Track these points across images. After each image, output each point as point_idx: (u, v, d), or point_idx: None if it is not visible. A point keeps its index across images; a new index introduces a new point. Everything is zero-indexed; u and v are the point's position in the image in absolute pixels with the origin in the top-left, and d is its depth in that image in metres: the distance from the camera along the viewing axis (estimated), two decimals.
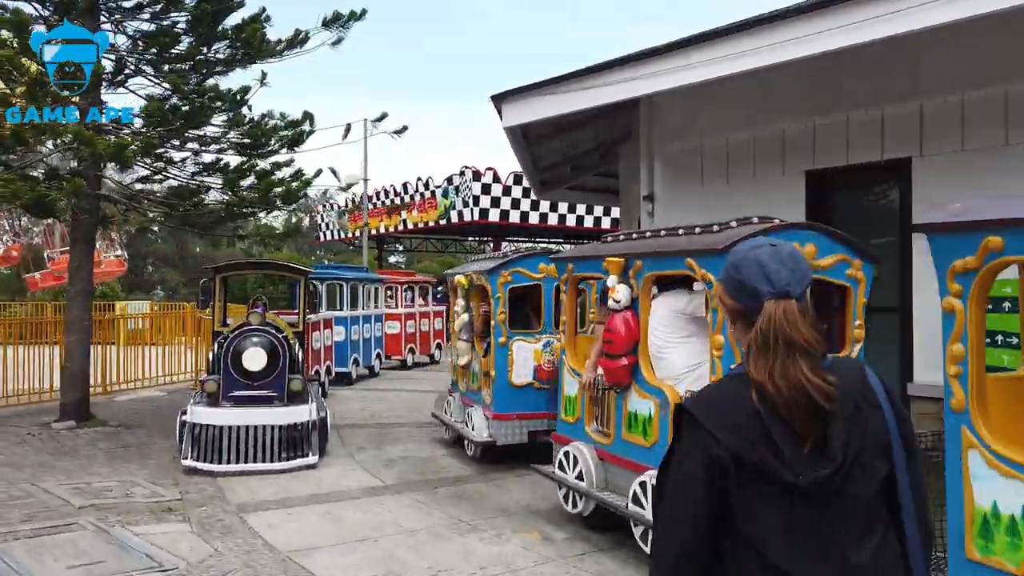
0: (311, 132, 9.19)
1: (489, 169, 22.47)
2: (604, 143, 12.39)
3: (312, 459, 7.33)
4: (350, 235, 29.75)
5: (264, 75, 8.46)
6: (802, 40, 5.98)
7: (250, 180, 8.97)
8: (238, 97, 8.25)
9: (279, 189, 8.83)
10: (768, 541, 1.35)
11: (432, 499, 6.28)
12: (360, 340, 13.96)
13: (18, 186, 7.50)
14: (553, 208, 23.28)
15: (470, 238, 31.65)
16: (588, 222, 23.98)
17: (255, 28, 8.37)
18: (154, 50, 8.33)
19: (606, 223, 23.88)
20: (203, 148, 8.81)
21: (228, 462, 7.06)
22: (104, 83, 8.28)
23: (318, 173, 9.97)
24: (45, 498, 6.05)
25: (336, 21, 8.39)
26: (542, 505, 6.10)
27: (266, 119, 8.98)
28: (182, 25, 8.45)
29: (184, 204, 8.77)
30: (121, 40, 8.68)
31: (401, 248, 35.59)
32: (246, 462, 7.09)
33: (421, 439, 8.80)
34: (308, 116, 9.04)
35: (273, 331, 7.67)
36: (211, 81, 8.94)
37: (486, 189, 22.24)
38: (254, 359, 7.39)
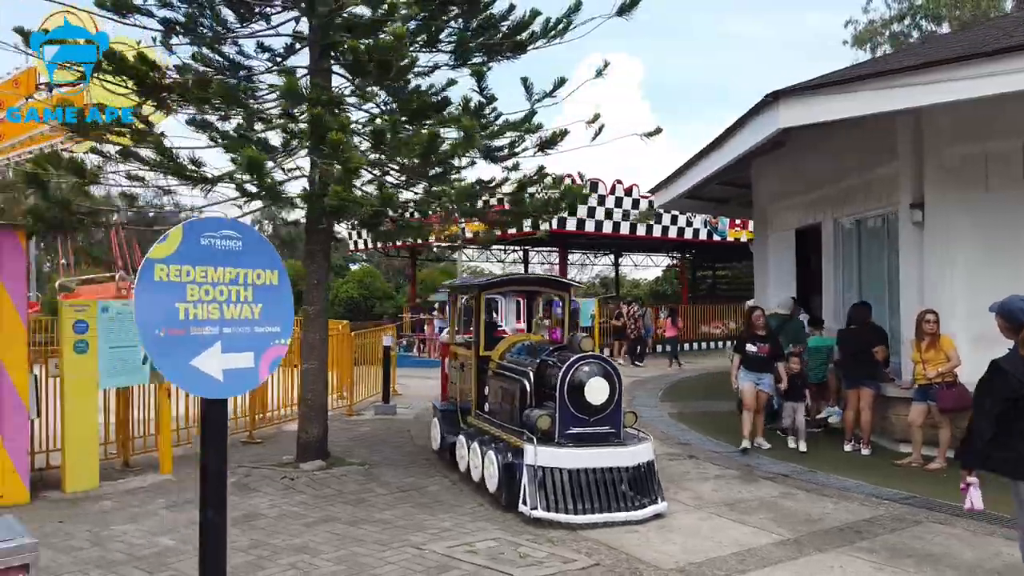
0: (565, 132, 8.23)
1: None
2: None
3: (662, 505, 6.37)
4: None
5: (606, 64, 7.46)
6: None
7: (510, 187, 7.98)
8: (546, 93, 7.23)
9: (548, 196, 7.84)
10: None
11: (890, 557, 5.34)
12: None
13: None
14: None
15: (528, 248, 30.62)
16: (673, 232, 23.29)
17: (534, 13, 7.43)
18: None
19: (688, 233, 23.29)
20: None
21: (580, 511, 6.08)
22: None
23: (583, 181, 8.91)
24: (470, 569, 4.99)
25: (633, 6, 7.43)
26: None
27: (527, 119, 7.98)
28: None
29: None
30: None
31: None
32: (600, 511, 6.12)
33: (718, 467, 7.85)
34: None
35: (606, 358, 6.71)
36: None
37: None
38: (598, 391, 6.40)
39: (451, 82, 7.46)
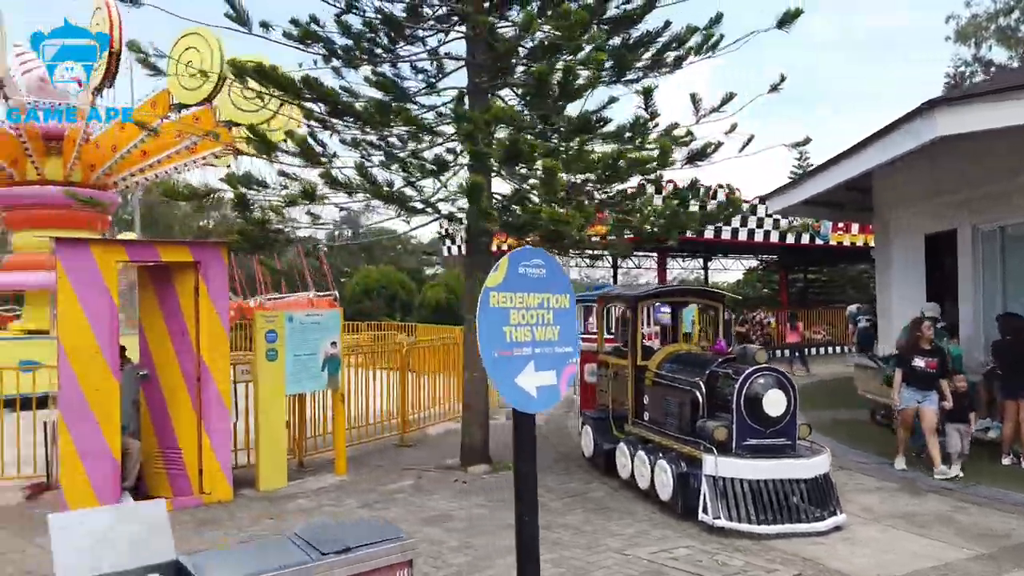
0: (719, 145, 8.33)
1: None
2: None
3: (841, 518, 6.45)
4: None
5: (783, 79, 7.61)
6: None
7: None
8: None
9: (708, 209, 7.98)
10: None
11: None
12: None
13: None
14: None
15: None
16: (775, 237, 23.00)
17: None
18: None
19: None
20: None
21: (763, 522, 6.22)
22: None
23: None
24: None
25: (792, 19, 7.51)
26: None
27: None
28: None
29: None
30: None
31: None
32: (781, 522, 6.24)
33: (874, 479, 7.85)
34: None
35: (781, 370, 6.83)
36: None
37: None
38: (776, 404, 6.54)
39: (612, 99, 7.70)
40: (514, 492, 3.60)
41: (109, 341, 6.68)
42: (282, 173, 7.63)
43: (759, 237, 22.91)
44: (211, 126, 16.17)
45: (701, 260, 33.72)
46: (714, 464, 6.41)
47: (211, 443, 7.13)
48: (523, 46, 8.01)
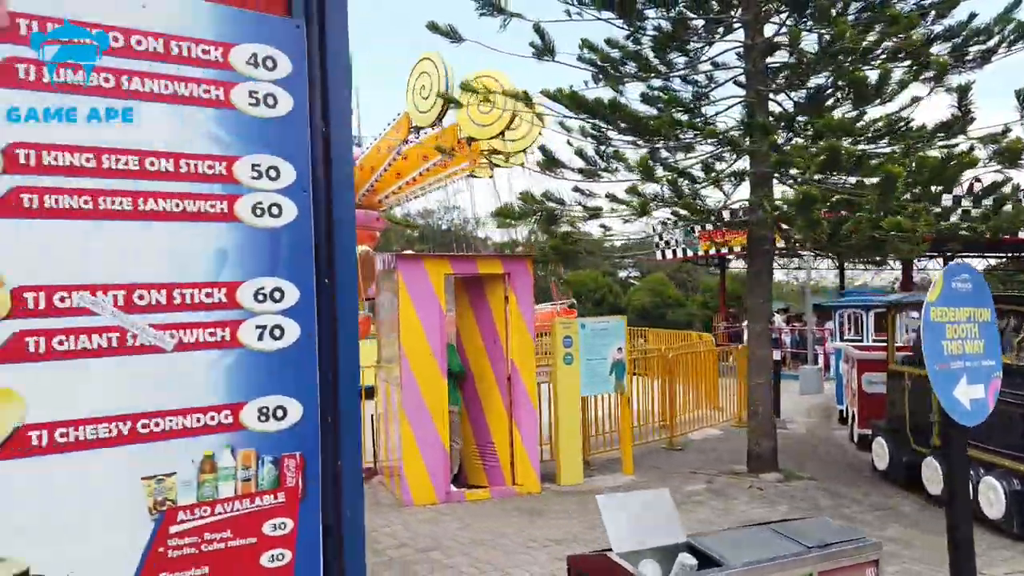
0: None
1: None
2: None
3: None
4: (699, 252, 28.55)
5: None
6: None
7: None
8: None
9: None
10: None
11: None
12: None
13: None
14: None
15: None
16: None
17: None
18: None
19: None
20: None
21: None
22: None
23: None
24: None
25: None
26: None
27: None
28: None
29: None
30: None
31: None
32: None
33: None
34: None
35: None
36: None
37: None
38: None
39: (915, 99, 7.40)
40: (947, 497, 3.62)
41: (439, 345, 7.50)
42: (576, 189, 8.14)
43: None
44: (453, 143, 17.43)
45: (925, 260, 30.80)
46: None
47: (521, 439, 7.76)
48: (804, 52, 7.90)
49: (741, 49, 8.71)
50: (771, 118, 7.92)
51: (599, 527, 6.67)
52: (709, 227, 23.58)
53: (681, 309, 37.00)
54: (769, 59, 8.42)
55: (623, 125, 7.79)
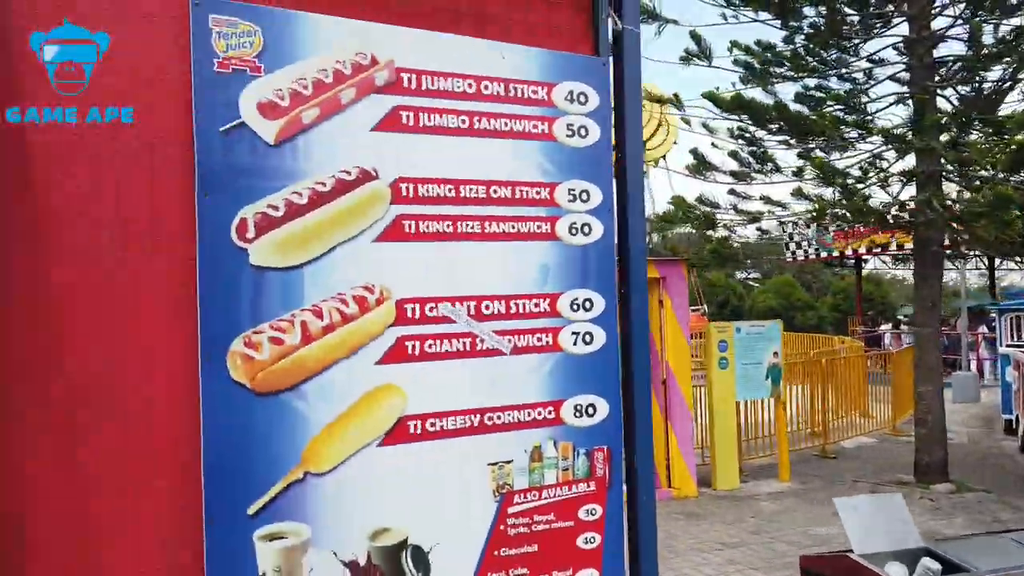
0: None
1: None
2: None
3: None
4: (834, 254, 27.34)
5: None
6: None
7: None
8: None
9: None
10: None
11: None
12: None
13: None
14: None
15: None
16: None
17: None
18: None
19: None
20: None
21: None
22: None
23: None
24: None
25: None
26: None
27: None
28: None
29: None
30: None
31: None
32: None
33: None
34: None
35: None
36: None
37: None
38: None
39: None
40: None
41: None
42: (732, 192, 8.09)
43: None
44: None
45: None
46: None
47: (677, 442, 7.81)
48: (983, 44, 7.51)
49: (901, 44, 8.40)
50: (938, 114, 7.60)
51: (764, 532, 6.65)
52: (844, 226, 22.55)
53: (811, 312, 35.49)
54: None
55: (774, 126, 7.69)
